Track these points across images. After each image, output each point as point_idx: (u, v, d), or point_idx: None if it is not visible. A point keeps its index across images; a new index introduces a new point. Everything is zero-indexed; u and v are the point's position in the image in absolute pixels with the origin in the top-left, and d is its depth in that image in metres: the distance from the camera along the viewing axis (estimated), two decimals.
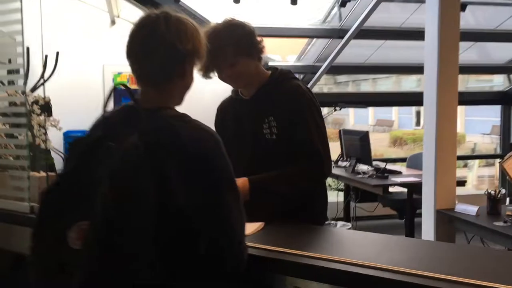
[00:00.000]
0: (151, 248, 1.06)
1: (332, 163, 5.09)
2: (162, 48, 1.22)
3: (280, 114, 1.81)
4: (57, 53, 2.83)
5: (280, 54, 6.26)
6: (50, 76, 2.87)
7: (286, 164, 1.76)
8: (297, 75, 5.61)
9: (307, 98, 1.83)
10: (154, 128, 1.16)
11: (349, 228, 4.57)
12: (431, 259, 1.37)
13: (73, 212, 1.12)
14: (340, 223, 4.68)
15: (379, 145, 16.43)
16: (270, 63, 5.06)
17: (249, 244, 1.43)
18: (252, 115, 1.87)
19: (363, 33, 4.48)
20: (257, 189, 1.71)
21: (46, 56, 2.90)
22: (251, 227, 1.64)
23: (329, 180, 5.54)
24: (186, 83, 1.32)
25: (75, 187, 1.14)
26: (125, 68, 1.30)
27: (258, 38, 1.83)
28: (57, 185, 1.20)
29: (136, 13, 4.23)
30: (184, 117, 1.24)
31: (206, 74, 1.80)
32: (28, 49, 2.71)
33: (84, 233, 1.06)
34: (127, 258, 1.04)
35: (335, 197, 5.60)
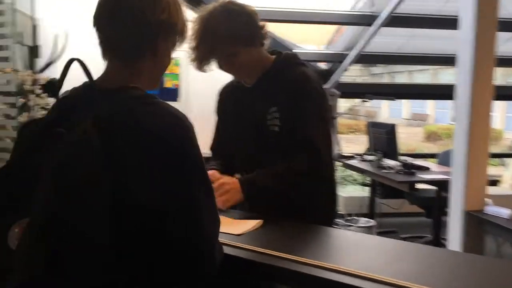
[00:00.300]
0: (105, 249, 0.91)
1: (357, 157, 4.89)
2: (131, 15, 1.07)
3: (283, 104, 1.64)
4: (66, 33, 2.74)
5: (314, 43, 6.06)
6: (59, 56, 2.78)
7: (286, 158, 1.60)
8: (325, 64, 5.40)
9: (313, 88, 1.66)
10: (111, 112, 1.00)
11: (372, 226, 4.36)
12: (448, 274, 1.19)
13: (16, 208, 0.96)
14: (363, 219, 4.47)
15: (413, 139, 16.02)
16: (296, 50, 4.88)
17: (238, 244, 1.29)
18: (254, 105, 1.71)
19: (396, 21, 4.24)
20: (251, 190, 1.57)
21: (57, 36, 2.82)
22: (249, 225, 1.50)
23: (355, 174, 5.33)
24: (159, 62, 1.15)
25: (19, 179, 0.99)
26: None
27: (261, 23, 1.65)
28: None
29: None
30: (150, 98, 1.06)
31: (201, 65, 1.64)
32: (35, 27, 2.62)
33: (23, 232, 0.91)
34: (78, 259, 0.89)
35: (360, 191, 5.40)
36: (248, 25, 1.61)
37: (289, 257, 1.21)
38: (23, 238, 0.90)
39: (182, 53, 5.85)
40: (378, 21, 4.11)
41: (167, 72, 5.87)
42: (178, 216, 1.01)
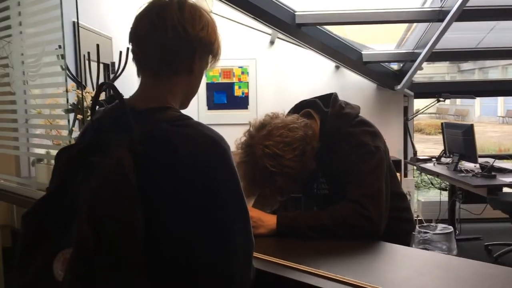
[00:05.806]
0: (144, 281, 0.91)
1: (434, 160, 4.64)
2: (172, 29, 1.04)
3: (330, 172, 1.68)
4: (127, 49, 2.85)
5: (379, 43, 5.86)
6: (121, 72, 2.92)
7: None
8: (395, 64, 5.19)
9: (358, 153, 1.61)
10: (145, 136, 0.97)
11: (450, 232, 4.11)
12: None
13: (59, 237, 0.95)
14: (440, 225, 4.22)
15: (507, 138, 14.89)
16: (366, 52, 4.75)
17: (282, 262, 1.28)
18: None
19: (468, 14, 3.98)
20: (285, 229, 1.54)
21: (121, 52, 2.96)
22: None
23: (431, 178, 5.07)
24: (194, 80, 1.13)
25: (59, 207, 0.98)
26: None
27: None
28: (40, 206, 1.00)
29: (227, 9, 4.18)
30: (184, 119, 1.03)
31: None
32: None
33: (67, 263, 0.91)
34: None
35: (437, 196, 5.12)
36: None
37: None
38: (66, 274, 0.90)
39: (250, 62, 5.88)
40: (449, 16, 3.89)
41: (236, 80, 5.88)
42: (211, 242, 0.99)
